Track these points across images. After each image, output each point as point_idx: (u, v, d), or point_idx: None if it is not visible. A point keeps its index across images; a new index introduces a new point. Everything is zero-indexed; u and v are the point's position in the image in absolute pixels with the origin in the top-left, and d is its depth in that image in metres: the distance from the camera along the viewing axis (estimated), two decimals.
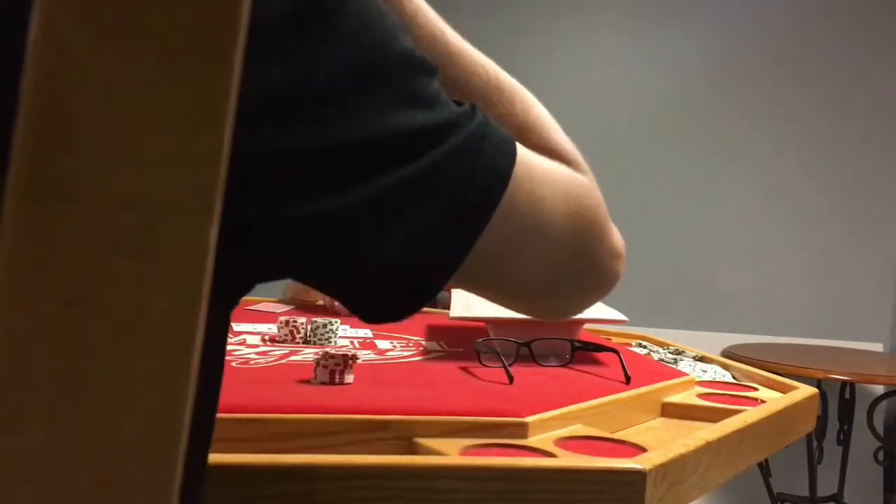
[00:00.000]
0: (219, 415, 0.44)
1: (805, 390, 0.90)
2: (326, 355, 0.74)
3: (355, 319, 1.45)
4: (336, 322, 1.01)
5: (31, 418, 0.19)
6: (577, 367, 0.91)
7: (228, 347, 0.82)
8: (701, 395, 0.87)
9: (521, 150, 0.45)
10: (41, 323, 0.19)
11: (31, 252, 0.18)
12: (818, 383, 2.15)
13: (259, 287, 0.43)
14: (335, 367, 0.74)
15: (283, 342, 0.99)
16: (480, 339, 0.93)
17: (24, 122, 0.18)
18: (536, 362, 0.91)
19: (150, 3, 0.19)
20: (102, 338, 0.19)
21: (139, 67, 0.19)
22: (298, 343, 0.99)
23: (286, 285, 1.56)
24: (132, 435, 0.20)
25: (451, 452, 0.60)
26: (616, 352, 0.90)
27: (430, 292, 0.43)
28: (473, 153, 0.41)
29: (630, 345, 1.24)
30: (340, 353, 0.75)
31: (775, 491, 2.50)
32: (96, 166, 0.19)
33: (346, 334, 1.09)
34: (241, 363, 0.83)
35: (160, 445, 0.20)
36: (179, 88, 0.19)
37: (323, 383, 0.74)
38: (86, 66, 0.18)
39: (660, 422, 0.81)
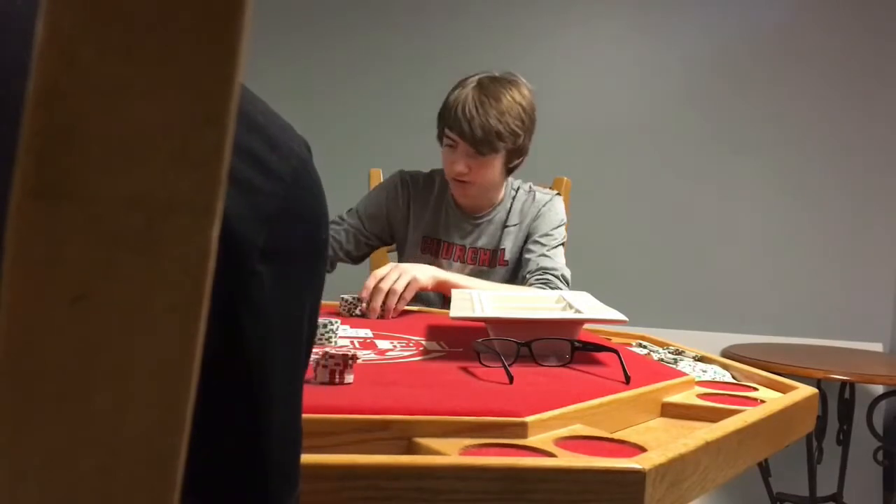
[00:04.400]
0: None
1: (805, 390, 0.91)
2: (326, 355, 0.74)
3: (355, 319, 1.44)
4: (336, 322, 1.01)
5: (35, 413, 0.20)
6: (577, 367, 0.91)
7: None
8: (701, 395, 0.87)
9: None
10: (47, 319, 0.19)
11: (38, 249, 0.19)
12: (818, 383, 2.15)
13: None
14: (335, 367, 0.74)
15: None
16: (480, 339, 0.93)
17: (31, 123, 0.18)
18: (536, 362, 0.92)
19: (154, 6, 0.19)
20: (107, 333, 0.20)
21: (143, 69, 0.19)
22: None
23: None
24: (135, 431, 0.20)
25: (451, 452, 0.60)
26: (616, 352, 0.90)
27: None
28: None
29: (630, 345, 1.24)
30: (340, 353, 0.75)
31: (775, 491, 2.50)
32: (101, 165, 0.19)
33: (346, 334, 1.10)
34: None
35: (163, 441, 0.20)
36: (182, 89, 0.19)
37: (323, 383, 0.74)
38: (91, 68, 0.18)
39: (660, 422, 0.81)
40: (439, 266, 1.63)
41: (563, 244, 1.72)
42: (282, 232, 0.37)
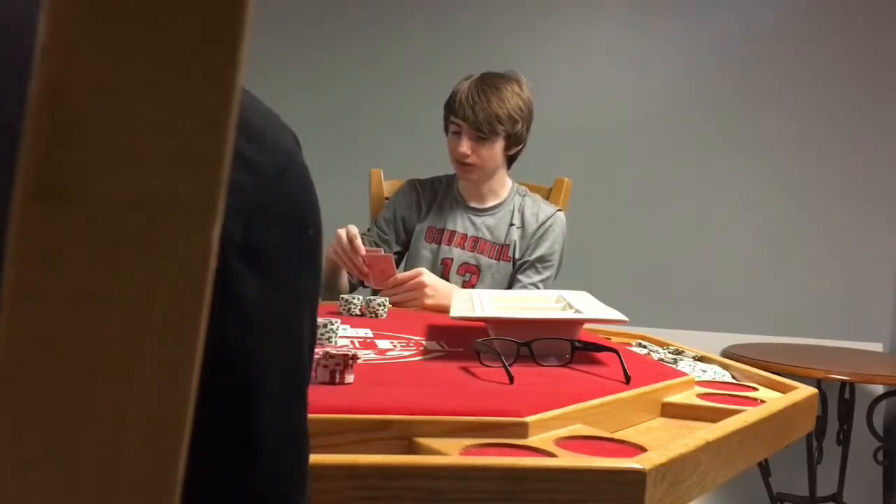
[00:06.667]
0: None
1: (805, 390, 0.91)
2: (327, 355, 0.74)
3: (355, 319, 1.45)
4: (336, 322, 1.01)
5: (35, 413, 0.20)
6: (577, 367, 0.91)
7: None
8: (701, 395, 0.87)
9: None
10: (48, 319, 0.19)
11: (39, 250, 0.19)
12: (818, 383, 2.15)
13: None
14: (336, 366, 0.74)
15: None
16: (480, 339, 0.93)
17: (32, 124, 0.18)
18: (536, 362, 0.91)
19: (155, 8, 0.19)
20: (108, 333, 0.20)
21: (144, 70, 0.19)
22: None
23: None
24: (136, 429, 0.20)
25: (451, 452, 0.60)
26: (616, 352, 0.90)
27: None
28: None
29: (630, 345, 1.24)
30: (341, 352, 0.75)
31: (775, 491, 2.50)
32: (102, 166, 0.19)
33: (347, 334, 1.10)
34: None
35: (163, 441, 0.20)
36: (183, 90, 0.19)
37: (323, 383, 0.74)
38: (92, 69, 0.18)
39: (660, 422, 0.81)
40: (440, 252, 1.77)
41: (556, 274, 1.79)
42: (262, 229, 0.35)
